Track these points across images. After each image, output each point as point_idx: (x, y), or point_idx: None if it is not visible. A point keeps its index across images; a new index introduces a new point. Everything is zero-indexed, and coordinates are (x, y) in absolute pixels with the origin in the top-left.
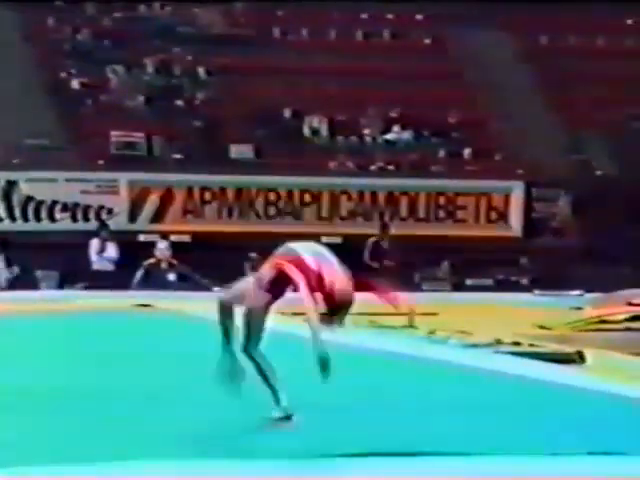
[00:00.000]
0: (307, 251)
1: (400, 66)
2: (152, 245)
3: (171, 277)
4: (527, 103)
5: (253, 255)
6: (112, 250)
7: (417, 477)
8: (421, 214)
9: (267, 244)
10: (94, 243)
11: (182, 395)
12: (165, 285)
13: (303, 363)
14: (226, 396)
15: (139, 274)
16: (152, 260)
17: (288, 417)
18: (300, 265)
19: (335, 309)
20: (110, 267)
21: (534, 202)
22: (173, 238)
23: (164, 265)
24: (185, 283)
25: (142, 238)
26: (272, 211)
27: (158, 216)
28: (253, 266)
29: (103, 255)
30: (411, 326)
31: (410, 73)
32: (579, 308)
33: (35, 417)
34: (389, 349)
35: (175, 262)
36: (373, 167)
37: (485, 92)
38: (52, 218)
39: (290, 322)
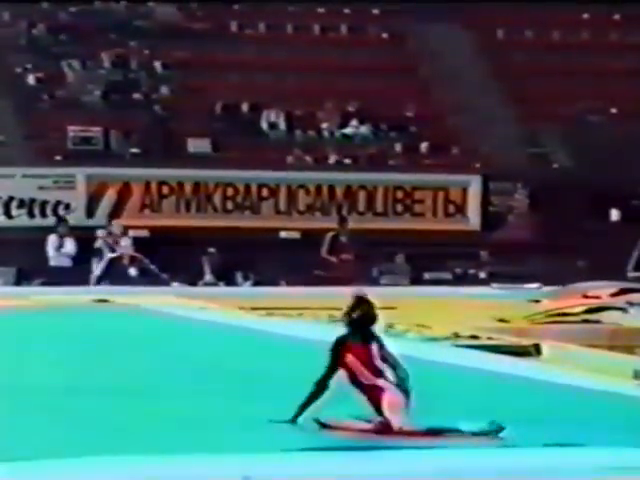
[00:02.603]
0: None
1: (357, 60)
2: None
3: (132, 272)
4: (483, 97)
5: (211, 250)
6: (70, 246)
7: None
8: (379, 208)
9: (225, 238)
10: (52, 239)
11: (140, 388)
12: (126, 280)
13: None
14: (187, 389)
15: (101, 267)
16: (115, 254)
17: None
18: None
19: None
20: (68, 263)
21: (491, 195)
22: (131, 233)
23: (126, 260)
24: (146, 277)
25: (131, 234)
26: (230, 205)
27: (116, 211)
28: (211, 261)
29: (61, 251)
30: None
31: (367, 67)
32: (537, 301)
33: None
34: None
35: (138, 256)
36: (331, 161)
37: (442, 86)
38: (9, 214)
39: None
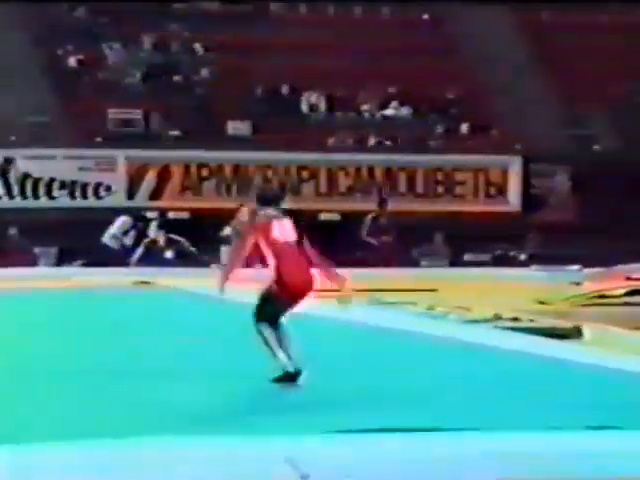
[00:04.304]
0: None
1: (398, 42)
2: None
3: (169, 255)
4: (525, 78)
5: None
6: (131, 240)
7: (415, 453)
8: (419, 190)
9: None
10: (125, 222)
11: (183, 369)
12: (163, 262)
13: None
14: (228, 371)
15: (138, 252)
16: (151, 238)
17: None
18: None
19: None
20: (117, 247)
21: (532, 177)
22: (171, 215)
23: (162, 243)
24: (184, 260)
25: (171, 215)
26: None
27: (156, 193)
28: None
29: (123, 237)
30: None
31: (408, 49)
32: (578, 283)
33: (34, 393)
34: (389, 325)
35: (177, 238)
36: (371, 143)
37: (483, 67)
38: (50, 195)
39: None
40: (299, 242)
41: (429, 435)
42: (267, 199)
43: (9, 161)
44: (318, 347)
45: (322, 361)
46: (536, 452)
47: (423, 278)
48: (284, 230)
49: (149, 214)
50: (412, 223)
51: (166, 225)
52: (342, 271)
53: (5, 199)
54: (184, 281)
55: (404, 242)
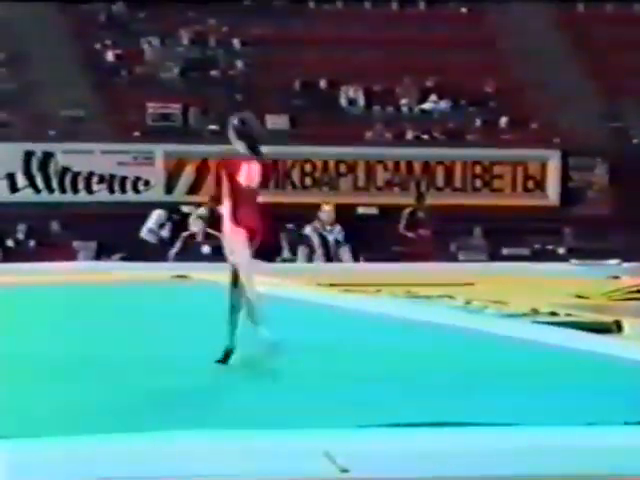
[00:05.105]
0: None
1: (436, 35)
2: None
3: (205, 249)
4: (564, 71)
5: (289, 226)
6: (168, 232)
7: (447, 449)
8: (457, 183)
9: (303, 214)
10: (160, 215)
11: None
12: (200, 257)
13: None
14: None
15: (177, 246)
16: (189, 232)
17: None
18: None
19: None
20: (154, 241)
21: (571, 171)
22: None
23: (200, 237)
24: (220, 255)
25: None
26: (308, 181)
27: (194, 188)
28: (289, 237)
29: (160, 230)
30: None
31: (446, 42)
32: (617, 277)
33: (73, 386)
34: (426, 319)
35: (216, 233)
36: (409, 137)
37: (521, 61)
38: (89, 189)
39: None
40: (259, 188)
41: (465, 430)
42: (244, 133)
43: (49, 155)
44: (352, 339)
45: (357, 354)
46: (574, 447)
47: (460, 272)
48: (251, 174)
49: (185, 208)
50: (450, 217)
51: (204, 219)
52: (379, 265)
53: (44, 193)
54: (222, 276)
55: (442, 236)
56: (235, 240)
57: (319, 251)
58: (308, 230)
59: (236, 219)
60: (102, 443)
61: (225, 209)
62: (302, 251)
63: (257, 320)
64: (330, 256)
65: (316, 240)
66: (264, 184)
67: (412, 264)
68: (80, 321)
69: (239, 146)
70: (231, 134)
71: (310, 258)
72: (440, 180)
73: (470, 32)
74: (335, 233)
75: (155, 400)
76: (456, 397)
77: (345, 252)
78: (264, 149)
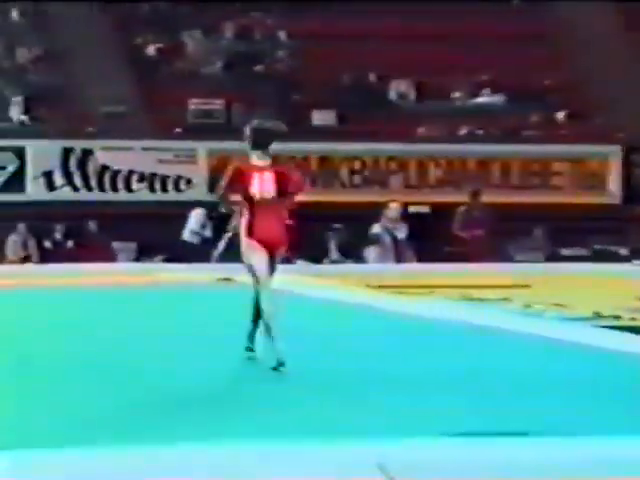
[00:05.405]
0: None
1: (491, 27)
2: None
3: None
4: (626, 64)
5: (337, 226)
6: (209, 232)
7: (512, 458)
8: (514, 181)
9: (352, 214)
10: (200, 215)
11: (265, 370)
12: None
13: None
14: (313, 370)
15: (221, 246)
16: (234, 231)
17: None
18: None
19: None
20: (197, 242)
21: (634, 167)
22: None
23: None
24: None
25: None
26: (357, 180)
27: None
28: (337, 237)
29: (202, 231)
30: None
31: (502, 34)
32: None
33: (111, 390)
34: (484, 323)
35: None
36: (463, 132)
37: (581, 53)
38: (129, 188)
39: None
40: (278, 197)
41: (526, 440)
42: (258, 142)
43: (87, 153)
44: (408, 345)
45: (413, 360)
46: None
47: (517, 273)
48: (263, 184)
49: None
50: (506, 216)
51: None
52: (432, 266)
53: (83, 192)
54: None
55: (497, 236)
56: (249, 252)
57: (390, 249)
58: (378, 229)
59: (248, 230)
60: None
61: (242, 221)
62: (373, 250)
63: (273, 334)
64: (399, 255)
65: (387, 239)
66: (294, 193)
67: (466, 265)
68: (120, 325)
69: (253, 154)
70: (246, 142)
71: (382, 257)
72: (496, 178)
73: (528, 24)
74: (402, 231)
75: (192, 409)
76: (516, 405)
77: (409, 251)
78: (313, 146)
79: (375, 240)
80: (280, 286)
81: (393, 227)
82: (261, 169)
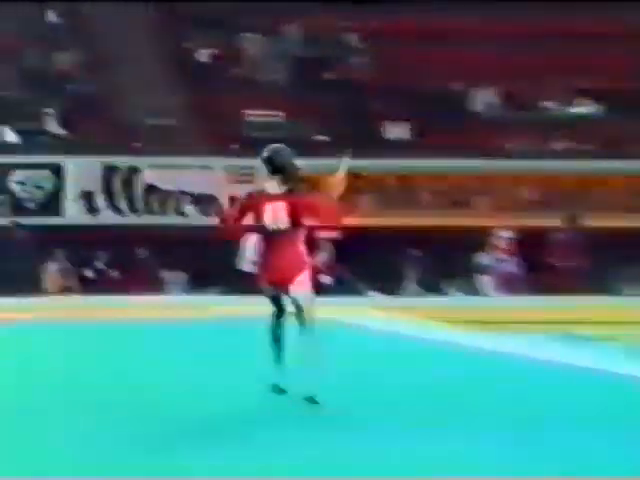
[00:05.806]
0: None
1: (588, 28)
2: None
3: (326, 280)
4: None
5: (416, 253)
6: None
7: None
8: (617, 202)
9: (433, 239)
10: (255, 241)
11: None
12: (318, 289)
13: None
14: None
15: None
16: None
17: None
18: None
19: None
20: (253, 270)
21: None
22: (321, 234)
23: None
24: (340, 286)
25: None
26: (438, 200)
27: None
28: (416, 266)
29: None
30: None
31: (602, 36)
32: None
33: (161, 424)
34: (586, 364)
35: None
36: (557, 147)
37: None
38: (179, 211)
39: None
40: (293, 228)
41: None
42: (275, 166)
43: (133, 171)
44: (506, 387)
45: (509, 401)
46: None
47: (624, 308)
48: (276, 215)
49: None
50: (609, 242)
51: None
52: (518, 299)
53: (128, 215)
54: (336, 310)
55: (599, 266)
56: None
57: (494, 282)
58: (486, 259)
59: (259, 268)
60: None
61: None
62: (477, 280)
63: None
64: (510, 287)
65: (496, 270)
66: (331, 226)
67: (559, 297)
68: (172, 363)
69: (271, 181)
70: (263, 169)
71: (485, 289)
72: (596, 198)
73: (632, 23)
74: (514, 264)
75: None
76: (627, 457)
77: (521, 284)
78: (386, 162)
79: (483, 271)
80: (352, 321)
81: (503, 258)
82: (274, 198)
